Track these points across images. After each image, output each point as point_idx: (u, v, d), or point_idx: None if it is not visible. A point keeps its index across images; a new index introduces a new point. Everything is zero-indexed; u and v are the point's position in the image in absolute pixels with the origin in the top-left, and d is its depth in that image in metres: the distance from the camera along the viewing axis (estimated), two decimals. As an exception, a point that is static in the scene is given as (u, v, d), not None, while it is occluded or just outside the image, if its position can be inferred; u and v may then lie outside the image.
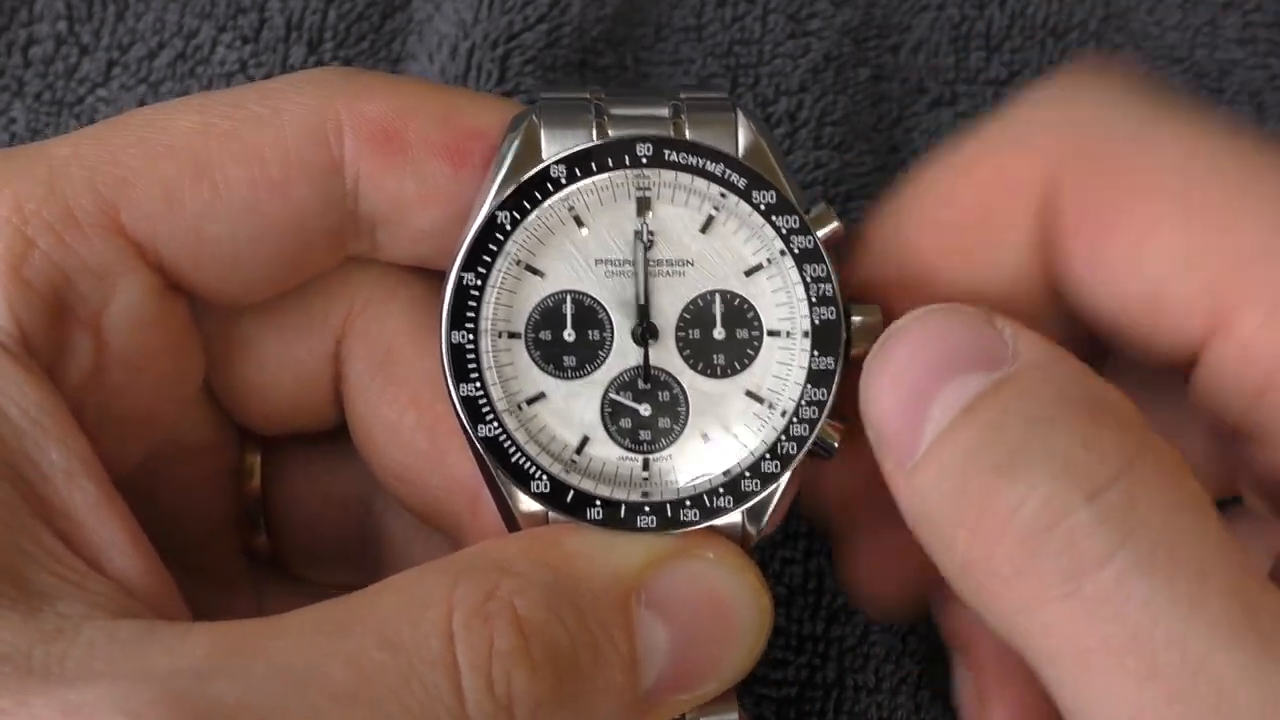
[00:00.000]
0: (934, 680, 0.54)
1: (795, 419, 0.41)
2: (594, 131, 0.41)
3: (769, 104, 0.57)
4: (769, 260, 0.42)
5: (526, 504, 0.41)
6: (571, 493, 0.41)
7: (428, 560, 0.39)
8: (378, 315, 0.44)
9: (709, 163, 0.41)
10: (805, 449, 0.41)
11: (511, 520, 0.41)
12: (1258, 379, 0.38)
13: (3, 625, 0.34)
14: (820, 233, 0.41)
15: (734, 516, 0.41)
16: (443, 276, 0.41)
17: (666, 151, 0.41)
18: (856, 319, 0.42)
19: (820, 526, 0.47)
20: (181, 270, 0.41)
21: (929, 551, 0.39)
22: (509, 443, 0.41)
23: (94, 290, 0.40)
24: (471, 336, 0.41)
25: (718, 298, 0.42)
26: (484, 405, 0.41)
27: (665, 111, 0.42)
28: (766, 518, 0.42)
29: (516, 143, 0.41)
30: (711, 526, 0.41)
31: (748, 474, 0.41)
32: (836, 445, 0.42)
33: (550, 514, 0.41)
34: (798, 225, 0.41)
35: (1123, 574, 0.34)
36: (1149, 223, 0.39)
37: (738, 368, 0.42)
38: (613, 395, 0.42)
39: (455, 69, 0.55)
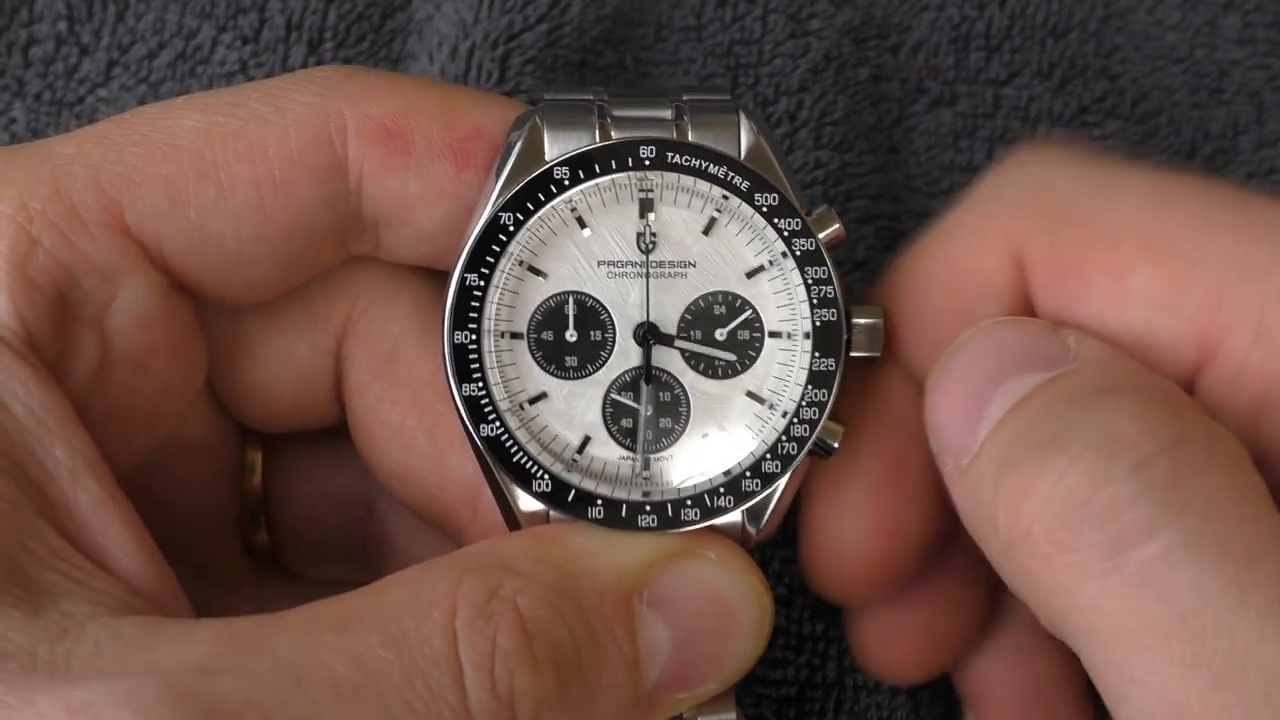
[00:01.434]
0: (933, 680, 0.54)
1: (796, 419, 0.41)
2: (597, 133, 0.41)
3: (769, 104, 0.57)
4: (771, 262, 0.42)
5: (527, 503, 0.41)
6: (573, 492, 0.41)
7: (430, 558, 0.39)
8: (380, 316, 0.45)
9: (711, 165, 0.41)
10: (806, 449, 0.41)
11: (513, 519, 0.41)
12: (1254, 400, 0.39)
13: (8, 624, 0.34)
14: (822, 235, 0.42)
15: (734, 516, 0.42)
16: (446, 276, 0.42)
17: (669, 154, 0.41)
18: (859, 321, 0.42)
19: (837, 597, 0.47)
20: (186, 269, 0.41)
21: (978, 542, 0.38)
22: (510, 442, 0.41)
23: (98, 289, 0.40)
24: (474, 336, 0.41)
25: (719, 299, 0.42)
26: (486, 405, 0.41)
27: (668, 113, 0.42)
28: (766, 518, 0.42)
29: (520, 144, 0.41)
30: (712, 526, 0.41)
31: (748, 474, 0.41)
32: (836, 446, 0.42)
33: (551, 513, 0.41)
34: (799, 228, 0.41)
35: (1170, 552, 0.33)
36: (1120, 270, 0.40)
37: (739, 369, 0.42)
38: (614, 395, 0.42)
39: (455, 69, 0.55)
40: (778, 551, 0.53)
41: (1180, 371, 0.40)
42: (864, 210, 0.56)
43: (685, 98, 0.43)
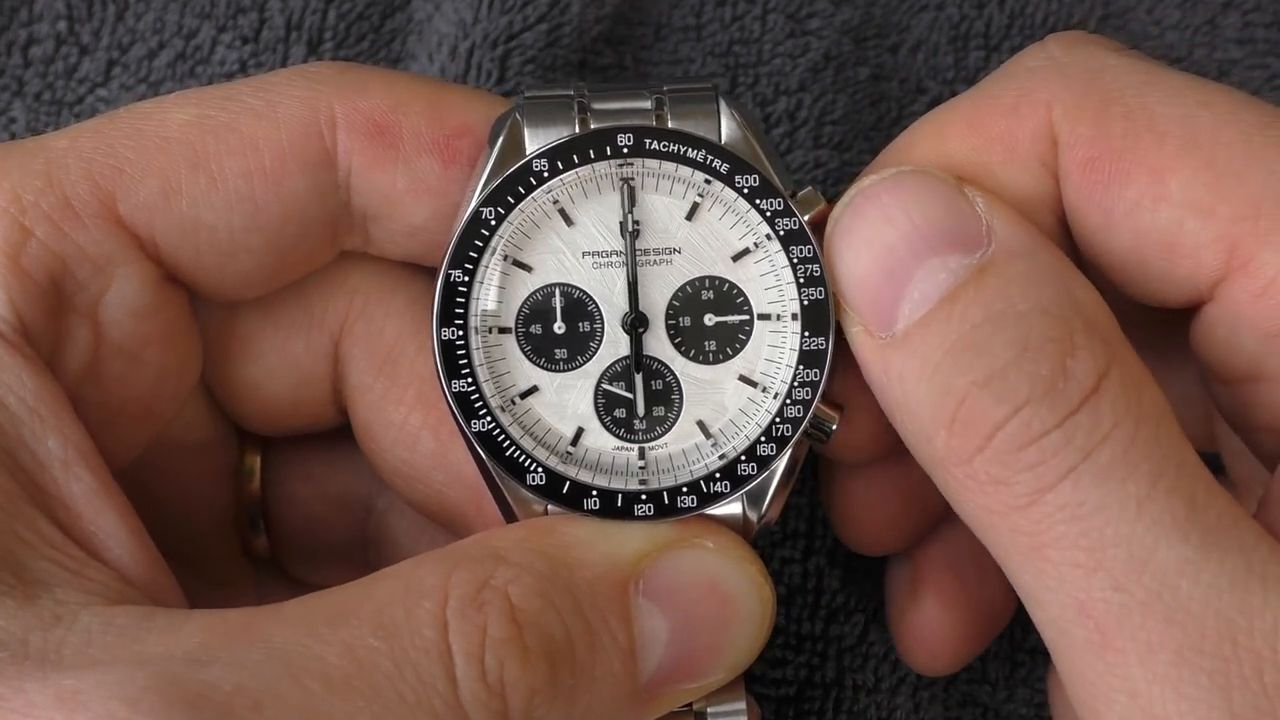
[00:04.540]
0: (933, 681, 0.54)
1: (789, 400, 0.41)
2: (576, 127, 0.41)
3: (768, 103, 0.57)
4: (756, 244, 0.42)
5: (524, 498, 0.41)
6: (568, 484, 0.41)
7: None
8: (378, 315, 0.45)
9: (690, 150, 0.41)
10: (801, 430, 0.41)
11: (510, 514, 0.41)
12: (1276, 316, 0.39)
13: (0, 612, 0.34)
14: (808, 215, 0.42)
15: (734, 506, 0.41)
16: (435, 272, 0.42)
17: (647, 140, 0.41)
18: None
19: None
20: (179, 261, 0.42)
21: (900, 429, 0.40)
22: (503, 437, 0.41)
23: (92, 279, 0.40)
24: (461, 333, 0.41)
25: (706, 284, 0.42)
26: (476, 400, 0.41)
27: (648, 104, 0.42)
28: (766, 503, 0.42)
29: (500, 141, 0.41)
30: (713, 516, 0.41)
31: (744, 458, 0.41)
32: (834, 429, 0.42)
33: (548, 507, 0.41)
34: (782, 207, 0.42)
35: (1081, 483, 0.37)
36: (1163, 164, 0.40)
37: (730, 353, 0.42)
38: (605, 385, 0.42)
39: (455, 69, 0.55)
40: (777, 551, 0.53)
41: (1201, 277, 0.40)
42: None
43: (665, 88, 0.43)
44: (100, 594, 0.36)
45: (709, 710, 0.42)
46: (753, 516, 0.42)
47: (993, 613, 0.50)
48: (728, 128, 0.42)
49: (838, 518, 0.49)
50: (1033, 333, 0.38)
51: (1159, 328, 0.45)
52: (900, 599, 0.51)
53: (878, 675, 0.53)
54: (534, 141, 0.41)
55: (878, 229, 0.40)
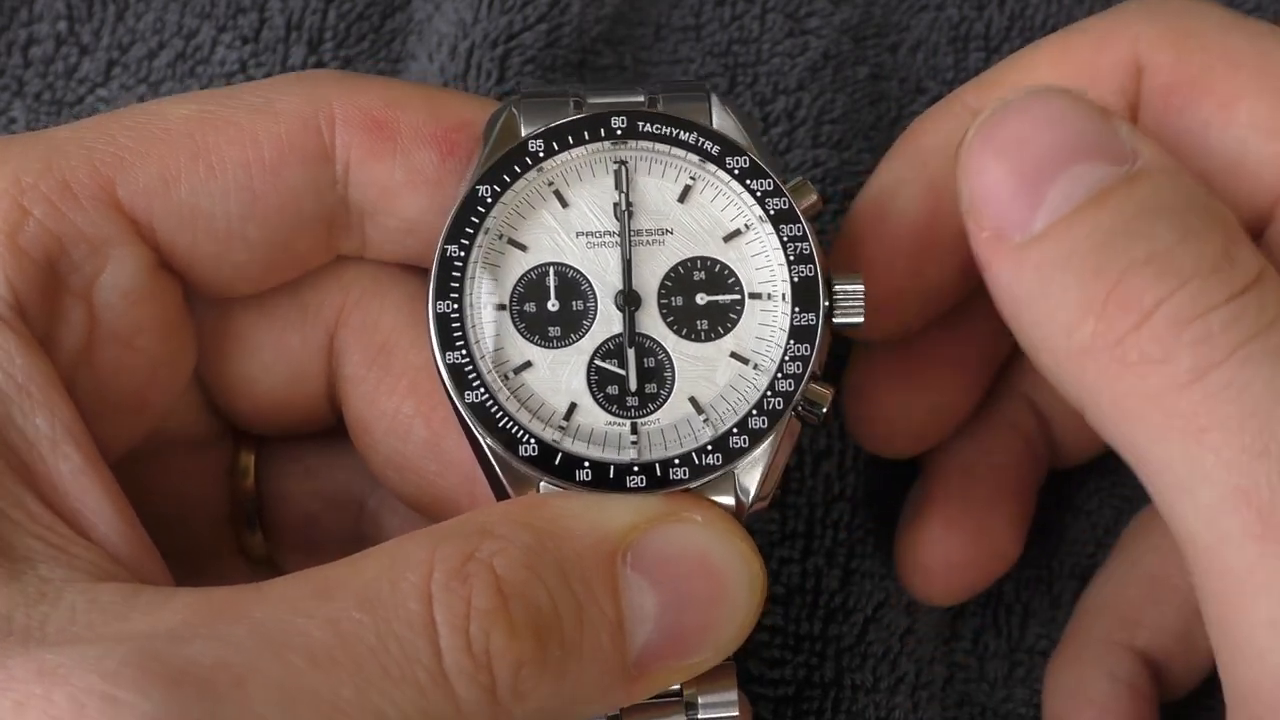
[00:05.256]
0: (931, 680, 0.54)
1: (780, 374, 0.42)
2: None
3: (767, 103, 0.57)
4: (748, 225, 0.43)
5: (516, 472, 0.41)
6: (560, 455, 0.41)
7: None
8: (372, 309, 0.45)
9: (682, 132, 0.42)
10: (793, 404, 0.42)
11: (502, 493, 0.42)
12: None
13: None
14: (802, 206, 0.42)
15: (727, 498, 0.41)
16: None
17: (641, 123, 0.42)
18: (839, 287, 0.42)
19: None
20: (176, 247, 0.42)
21: (1027, 332, 0.40)
22: (496, 408, 0.41)
23: (87, 259, 0.41)
24: (456, 306, 0.41)
25: (699, 264, 0.43)
26: (470, 372, 0.41)
27: (640, 98, 0.43)
28: (758, 482, 0.42)
29: (495, 133, 0.42)
30: (702, 493, 0.41)
31: (735, 430, 0.42)
32: (825, 410, 0.42)
33: (541, 484, 0.41)
34: (772, 188, 0.42)
35: (1248, 360, 0.36)
36: (1235, 90, 0.42)
37: (721, 331, 0.43)
38: (598, 362, 0.42)
39: (455, 69, 0.56)
40: (775, 551, 0.53)
41: (1262, 195, 0.42)
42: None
43: (659, 86, 0.44)
44: (86, 571, 0.36)
45: (700, 699, 0.42)
46: (744, 498, 0.42)
47: (996, 549, 0.51)
48: (719, 119, 0.43)
49: (857, 408, 0.50)
50: (1193, 221, 0.38)
51: None
52: (910, 518, 0.52)
53: (876, 675, 0.53)
54: (529, 129, 0.42)
55: (1019, 136, 0.40)
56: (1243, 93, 0.42)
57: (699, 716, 0.42)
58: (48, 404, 0.38)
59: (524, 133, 0.42)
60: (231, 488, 0.49)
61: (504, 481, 0.41)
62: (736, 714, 0.42)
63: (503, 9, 0.56)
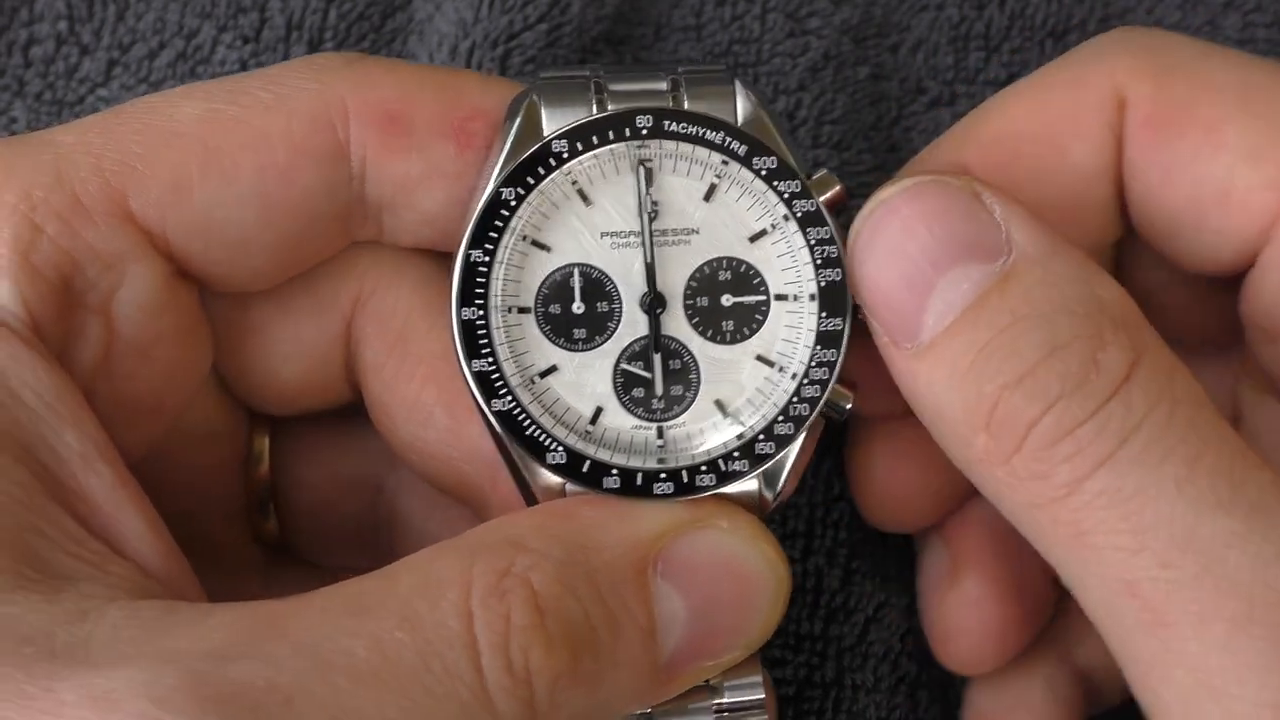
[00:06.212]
0: (932, 680, 0.54)
1: (806, 380, 0.42)
2: (594, 108, 0.42)
3: (768, 103, 0.57)
4: (773, 225, 0.42)
5: (544, 478, 0.41)
6: (588, 462, 0.41)
7: (443, 538, 0.39)
8: (388, 295, 0.45)
9: (709, 131, 0.42)
10: (818, 409, 0.41)
11: (530, 495, 0.42)
12: None
13: (25, 607, 0.34)
14: (823, 197, 0.42)
15: (750, 484, 0.42)
16: (451, 256, 0.42)
17: (666, 122, 0.41)
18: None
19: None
20: (190, 256, 0.42)
21: (935, 435, 0.41)
22: (523, 415, 0.41)
23: (102, 276, 0.40)
24: (482, 312, 0.41)
25: (724, 264, 0.42)
26: (497, 380, 0.41)
27: (664, 85, 0.42)
28: (782, 481, 0.42)
29: (518, 121, 0.41)
30: (728, 494, 0.41)
31: (762, 437, 0.41)
32: (849, 408, 0.42)
33: (567, 486, 0.41)
34: (799, 189, 0.42)
35: (1117, 469, 0.37)
36: (1219, 116, 0.42)
37: (746, 333, 0.42)
38: (624, 365, 0.42)
39: (455, 67, 0.55)
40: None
41: (1254, 224, 0.42)
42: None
43: (680, 69, 0.43)
44: (124, 589, 0.36)
45: (725, 684, 0.43)
46: (769, 495, 0.42)
47: (1038, 598, 0.50)
48: (743, 109, 0.42)
49: (862, 487, 0.50)
50: (1060, 332, 0.39)
51: (1189, 325, 0.46)
52: (937, 584, 0.50)
53: (877, 675, 0.53)
54: (551, 122, 0.41)
55: (898, 241, 0.41)
56: (1227, 119, 0.42)
57: (725, 700, 0.43)
58: (76, 421, 0.38)
59: (545, 121, 0.41)
60: (246, 475, 0.49)
61: (531, 484, 0.41)
62: (763, 695, 0.43)
63: (503, 9, 0.56)
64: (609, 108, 0.41)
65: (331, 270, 0.45)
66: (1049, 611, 0.50)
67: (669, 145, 0.42)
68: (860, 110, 0.57)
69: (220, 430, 0.47)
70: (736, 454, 0.41)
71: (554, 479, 0.41)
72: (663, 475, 0.41)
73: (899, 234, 0.40)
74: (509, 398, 0.41)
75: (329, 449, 0.49)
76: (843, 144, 0.57)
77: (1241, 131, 0.42)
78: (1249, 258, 0.43)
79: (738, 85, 0.42)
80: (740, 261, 0.42)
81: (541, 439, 0.41)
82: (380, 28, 0.58)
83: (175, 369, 0.43)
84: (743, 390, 0.42)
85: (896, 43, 0.59)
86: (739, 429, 0.42)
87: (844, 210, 0.42)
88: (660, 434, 0.42)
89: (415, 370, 0.44)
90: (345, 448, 0.49)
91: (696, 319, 0.42)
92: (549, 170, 0.41)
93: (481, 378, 0.41)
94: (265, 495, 0.49)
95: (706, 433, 0.42)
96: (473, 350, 0.41)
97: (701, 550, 0.40)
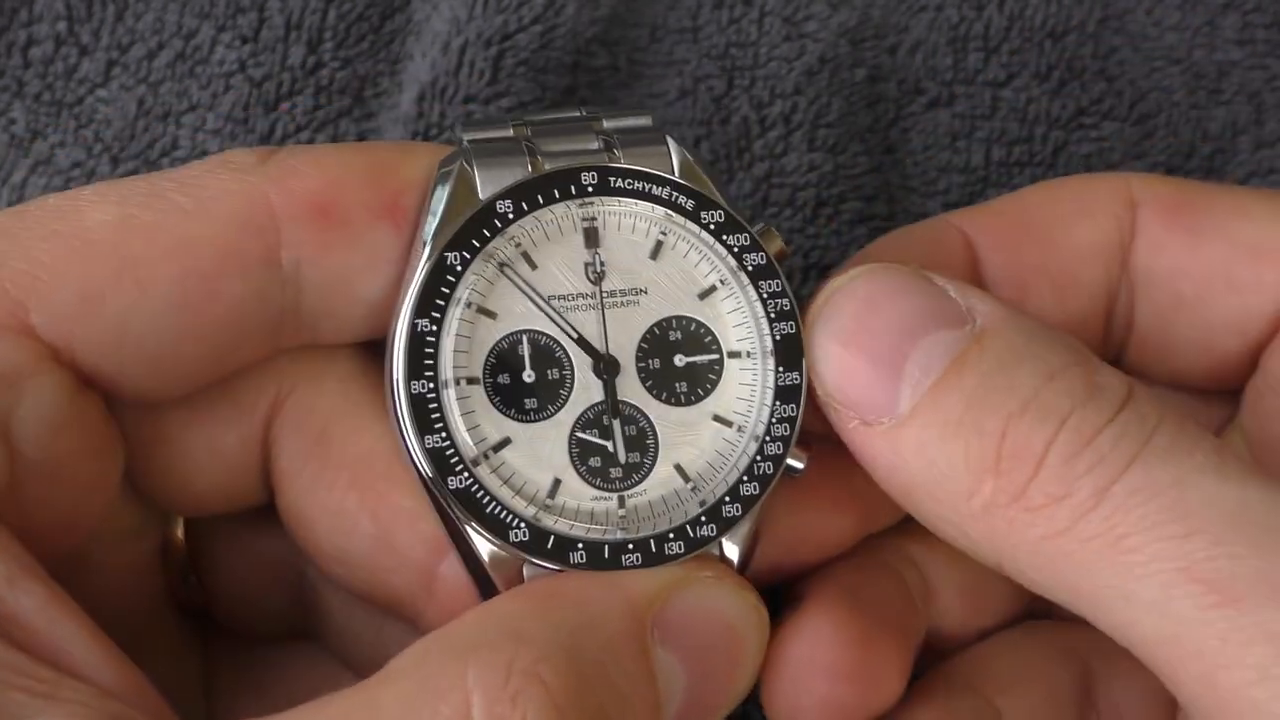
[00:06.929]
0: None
1: (768, 438, 0.40)
2: (529, 168, 0.40)
3: (764, 107, 0.57)
4: (723, 281, 0.41)
5: (501, 559, 0.39)
6: (552, 538, 0.39)
7: (369, 623, 0.37)
8: (307, 396, 0.42)
9: (654, 186, 0.40)
10: (783, 468, 0.40)
11: (483, 578, 0.40)
12: None
13: None
14: (770, 252, 0.41)
15: (724, 546, 0.40)
16: (385, 336, 0.40)
17: (612, 179, 0.40)
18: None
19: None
20: (101, 369, 0.39)
21: (920, 507, 0.39)
22: (481, 493, 0.39)
23: (0, 395, 0.37)
24: (432, 385, 0.39)
25: (674, 324, 0.41)
26: (452, 456, 0.39)
27: (596, 145, 0.41)
28: (750, 539, 0.41)
29: (450, 186, 0.40)
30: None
31: (727, 499, 0.40)
32: (802, 467, 0.41)
33: (525, 566, 0.39)
34: (749, 242, 0.41)
35: (1149, 464, 0.36)
36: (1237, 204, 0.44)
37: (701, 394, 0.41)
38: (579, 434, 0.40)
39: (447, 65, 0.55)
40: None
41: (1258, 315, 0.43)
42: (857, 212, 0.56)
43: (606, 124, 0.42)
44: (84, 715, 0.33)
45: None
46: (736, 555, 0.41)
47: (884, 670, 0.44)
48: (679, 162, 0.41)
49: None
50: (1053, 362, 0.38)
51: None
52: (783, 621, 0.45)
53: None
54: (487, 184, 0.40)
55: (863, 320, 0.40)
56: (1250, 201, 0.43)
57: None
58: None
59: (480, 184, 0.40)
60: (164, 559, 0.46)
61: (486, 567, 0.39)
62: None
63: (498, 8, 0.56)
64: (545, 168, 0.40)
65: (250, 371, 0.42)
66: (895, 694, 0.45)
67: (612, 202, 0.40)
68: (857, 112, 0.57)
69: (135, 527, 0.44)
70: (703, 518, 0.40)
71: (512, 559, 0.39)
72: (630, 545, 0.39)
73: (863, 313, 0.39)
74: (465, 474, 0.39)
75: (248, 538, 0.46)
76: (838, 147, 0.56)
77: (1251, 220, 0.43)
78: (1257, 343, 0.43)
79: (670, 142, 0.41)
80: (691, 320, 0.41)
81: (502, 516, 0.39)
82: (379, 28, 0.58)
83: (86, 485, 0.40)
84: (702, 453, 0.41)
85: (894, 44, 0.59)
86: (702, 494, 0.40)
87: (785, 260, 0.42)
88: (621, 503, 0.40)
89: (337, 476, 0.41)
90: (266, 535, 0.45)
91: (650, 381, 0.41)
92: (494, 233, 0.40)
93: (435, 455, 0.39)
94: (185, 571, 0.46)
95: (669, 499, 0.40)
96: (425, 426, 0.39)
97: (694, 607, 0.39)
